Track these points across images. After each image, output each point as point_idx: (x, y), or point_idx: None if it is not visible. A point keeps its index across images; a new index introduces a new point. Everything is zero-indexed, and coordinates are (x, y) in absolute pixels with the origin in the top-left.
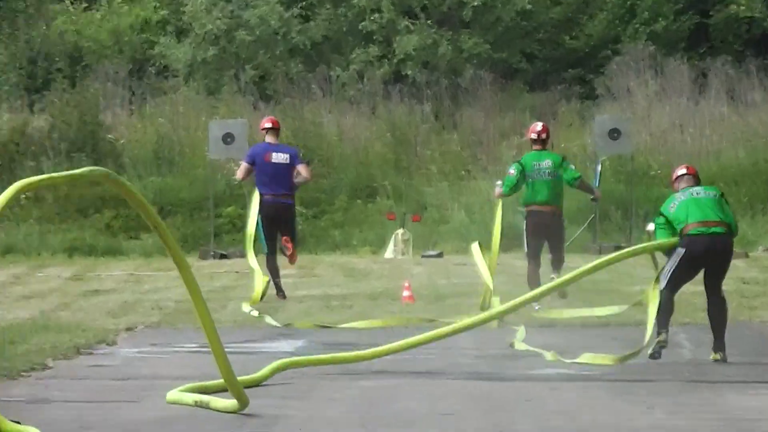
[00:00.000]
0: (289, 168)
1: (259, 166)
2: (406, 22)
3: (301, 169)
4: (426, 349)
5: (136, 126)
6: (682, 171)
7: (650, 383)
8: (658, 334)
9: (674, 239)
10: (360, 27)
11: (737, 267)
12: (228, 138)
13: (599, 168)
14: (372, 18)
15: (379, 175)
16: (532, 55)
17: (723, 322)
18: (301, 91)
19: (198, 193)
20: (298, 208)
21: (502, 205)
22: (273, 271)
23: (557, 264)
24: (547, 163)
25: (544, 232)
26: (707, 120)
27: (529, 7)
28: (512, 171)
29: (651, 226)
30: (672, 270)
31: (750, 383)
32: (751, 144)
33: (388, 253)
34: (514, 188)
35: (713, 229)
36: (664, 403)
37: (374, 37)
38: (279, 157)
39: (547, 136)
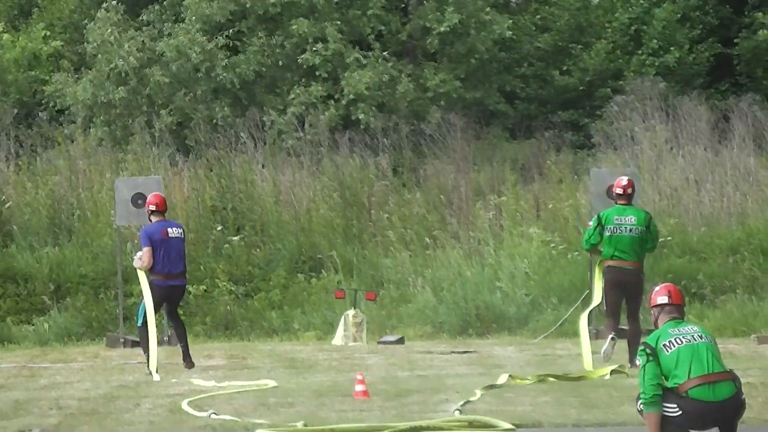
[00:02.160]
0: (183, 243)
1: (156, 244)
2: (357, 54)
3: None
4: None
5: (26, 185)
6: (663, 298)
7: None
8: None
9: None
10: (300, 61)
11: (765, 355)
12: (139, 200)
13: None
14: (314, 49)
15: (326, 245)
16: (514, 94)
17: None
18: (228, 141)
19: (103, 267)
20: (226, 285)
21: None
22: (145, 343)
23: (633, 318)
24: (630, 219)
25: (623, 288)
26: (729, 174)
27: (509, 34)
28: (590, 223)
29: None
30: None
31: None
32: None
33: (337, 339)
34: (592, 242)
35: (718, 391)
36: None
37: (317, 73)
38: (174, 232)
39: (633, 191)
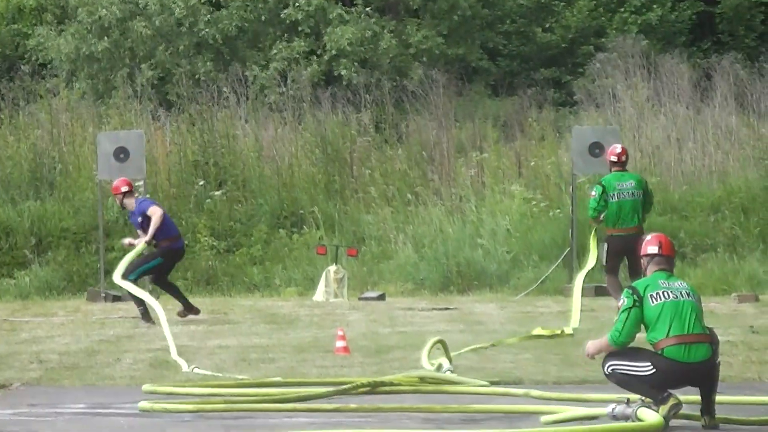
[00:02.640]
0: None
1: (145, 211)
2: (340, 10)
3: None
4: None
5: (8, 139)
6: (653, 248)
7: None
8: (662, 400)
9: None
10: (282, 16)
11: (745, 313)
12: (121, 154)
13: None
14: (297, 4)
15: (307, 201)
16: (496, 51)
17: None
18: (210, 96)
19: (85, 221)
20: (208, 240)
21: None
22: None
23: (636, 276)
24: (630, 183)
25: (625, 253)
26: (711, 133)
27: None
28: (594, 192)
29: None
30: (633, 385)
31: None
32: (764, 163)
33: (318, 295)
34: (599, 209)
35: (694, 353)
36: None
37: (300, 29)
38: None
39: (627, 158)
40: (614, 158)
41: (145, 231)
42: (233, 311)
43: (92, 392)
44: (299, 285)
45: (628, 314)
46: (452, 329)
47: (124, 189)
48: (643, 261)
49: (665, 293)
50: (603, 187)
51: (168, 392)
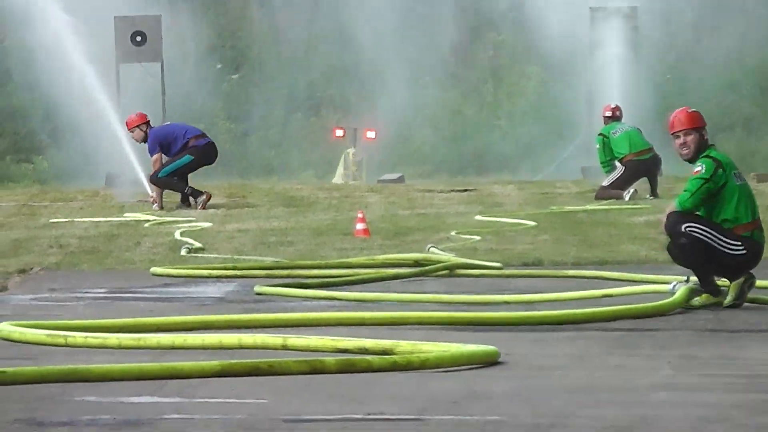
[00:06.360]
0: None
1: (166, 135)
2: None
3: None
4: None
5: None
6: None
7: (656, 333)
8: (713, 292)
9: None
10: None
11: (764, 193)
12: (137, 37)
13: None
14: None
15: (324, 83)
16: None
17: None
18: None
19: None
20: (225, 123)
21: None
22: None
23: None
24: (624, 123)
25: (645, 174)
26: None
27: None
28: (597, 146)
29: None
30: (699, 259)
31: None
32: None
33: (337, 177)
34: (608, 157)
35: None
36: (671, 357)
37: None
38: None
39: (621, 113)
40: (609, 113)
41: (167, 154)
42: (251, 195)
43: (112, 276)
44: (317, 168)
45: (701, 185)
46: (471, 211)
47: (143, 128)
48: (693, 136)
49: (739, 175)
50: (603, 135)
51: (177, 275)
